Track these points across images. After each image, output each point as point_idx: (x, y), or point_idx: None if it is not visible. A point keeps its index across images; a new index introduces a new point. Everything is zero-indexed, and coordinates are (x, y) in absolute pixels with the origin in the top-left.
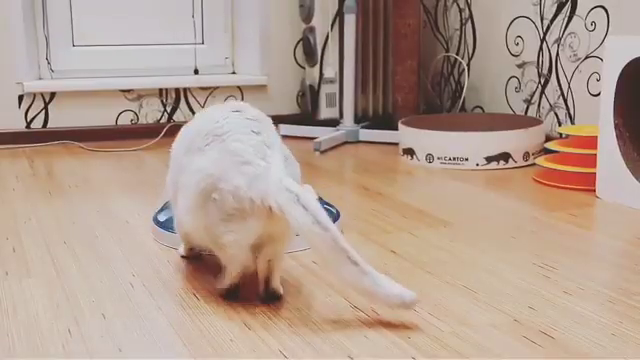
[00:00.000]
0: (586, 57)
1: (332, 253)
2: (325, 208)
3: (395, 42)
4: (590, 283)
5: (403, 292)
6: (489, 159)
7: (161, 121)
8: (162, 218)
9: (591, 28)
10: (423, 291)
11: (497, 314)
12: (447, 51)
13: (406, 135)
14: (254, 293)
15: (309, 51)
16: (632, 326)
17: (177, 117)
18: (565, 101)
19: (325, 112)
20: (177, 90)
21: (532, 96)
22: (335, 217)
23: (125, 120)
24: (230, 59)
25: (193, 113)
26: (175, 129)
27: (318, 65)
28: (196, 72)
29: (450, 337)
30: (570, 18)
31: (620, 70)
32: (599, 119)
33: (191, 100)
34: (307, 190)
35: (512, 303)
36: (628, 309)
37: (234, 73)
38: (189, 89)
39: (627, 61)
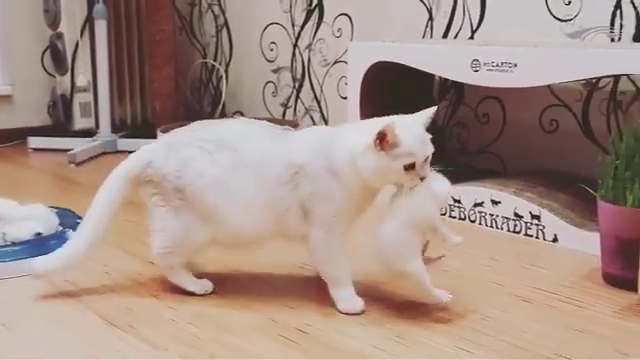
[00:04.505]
0: (335, 62)
1: None
2: (79, 222)
3: (150, 49)
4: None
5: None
6: None
7: None
8: None
9: (338, 34)
10: (184, 301)
11: (256, 316)
12: (204, 57)
13: None
14: None
15: (58, 59)
16: (378, 313)
17: None
18: (319, 104)
19: (80, 122)
20: None
21: (288, 100)
22: None
23: None
24: None
25: None
26: None
27: (69, 73)
28: None
29: (209, 343)
30: (319, 25)
31: (363, 73)
32: (347, 120)
33: None
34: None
35: (272, 304)
36: (377, 298)
37: None
38: None
39: (368, 65)
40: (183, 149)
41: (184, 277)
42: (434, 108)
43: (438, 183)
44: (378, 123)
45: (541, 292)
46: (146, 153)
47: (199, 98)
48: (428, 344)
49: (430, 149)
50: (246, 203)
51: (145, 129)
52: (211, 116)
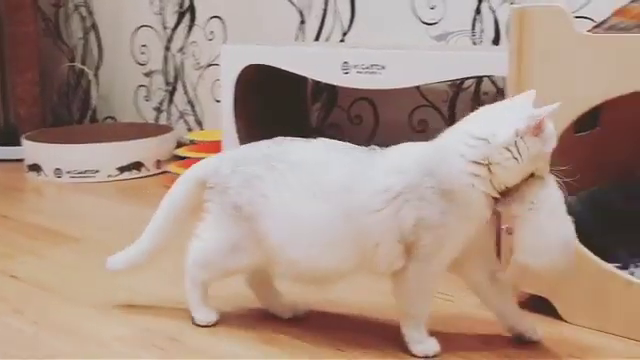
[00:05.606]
0: (209, 65)
1: None
2: None
3: (11, 51)
4: (225, 283)
5: None
6: (121, 169)
7: None
8: None
9: (210, 37)
10: (48, 315)
11: (129, 327)
12: (72, 61)
13: (31, 150)
14: None
15: None
16: (254, 318)
17: None
18: (193, 107)
19: None
20: None
21: (162, 104)
22: None
23: None
24: None
25: None
26: None
27: None
28: None
29: (76, 357)
30: (191, 27)
31: (236, 76)
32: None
33: None
34: None
35: (143, 313)
36: (255, 302)
37: None
38: None
39: (241, 68)
40: (251, 165)
41: (198, 298)
42: (533, 92)
43: None
44: (489, 112)
45: None
46: (217, 159)
47: (67, 103)
48: (305, 347)
49: None
50: (321, 235)
51: (9, 136)
52: (81, 122)
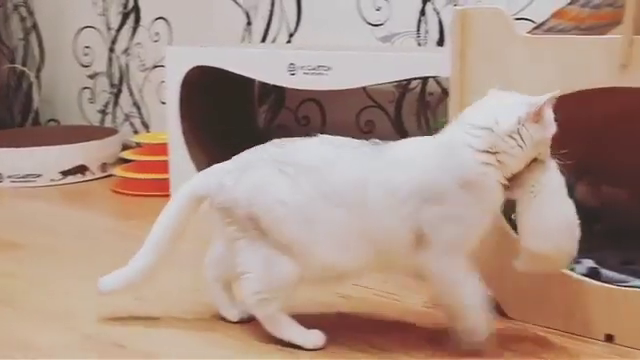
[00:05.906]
0: (154, 67)
1: None
2: None
3: None
4: (169, 287)
5: None
6: (65, 173)
7: None
8: None
9: (156, 38)
10: None
11: (70, 333)
12: (12, 62)
13: None
14: None
15: None
16: (200, 322)
17: None
18: (139, 109)
19: None
20: None
21: (106, 106)
22: None
23: None
24: None
25: None
26: None
27: None
28: None
29: None
30: (135, 29)
31: (181, 78)
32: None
33: None
34: None
35: (87, 320)
36: (197, 305)
37: None
38: None
39: (186, 70)
40: (258, 171)
41: (289, 327)
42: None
43: None
44: (487, 103)
45: (358, 288)
46: (217, 173)
47: (8, 106)
48: (254, 347)
49: None
50: (339, 237)
51: None
52: (22, 125)
